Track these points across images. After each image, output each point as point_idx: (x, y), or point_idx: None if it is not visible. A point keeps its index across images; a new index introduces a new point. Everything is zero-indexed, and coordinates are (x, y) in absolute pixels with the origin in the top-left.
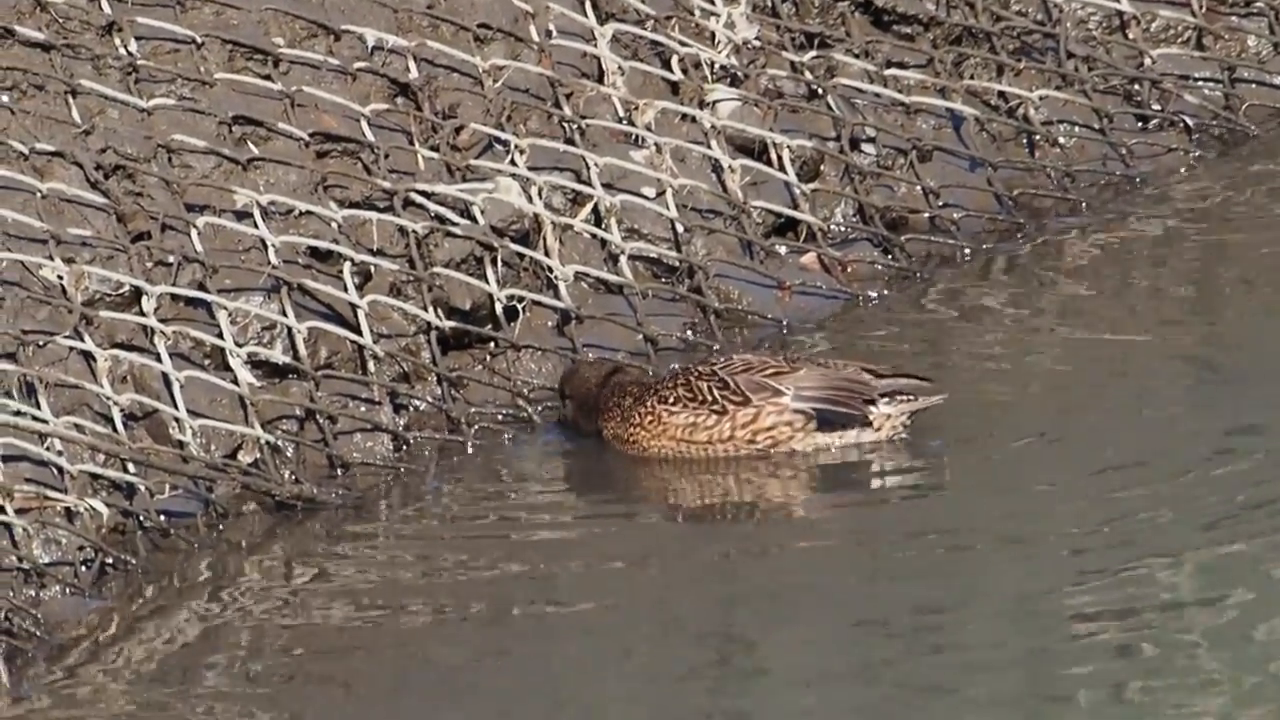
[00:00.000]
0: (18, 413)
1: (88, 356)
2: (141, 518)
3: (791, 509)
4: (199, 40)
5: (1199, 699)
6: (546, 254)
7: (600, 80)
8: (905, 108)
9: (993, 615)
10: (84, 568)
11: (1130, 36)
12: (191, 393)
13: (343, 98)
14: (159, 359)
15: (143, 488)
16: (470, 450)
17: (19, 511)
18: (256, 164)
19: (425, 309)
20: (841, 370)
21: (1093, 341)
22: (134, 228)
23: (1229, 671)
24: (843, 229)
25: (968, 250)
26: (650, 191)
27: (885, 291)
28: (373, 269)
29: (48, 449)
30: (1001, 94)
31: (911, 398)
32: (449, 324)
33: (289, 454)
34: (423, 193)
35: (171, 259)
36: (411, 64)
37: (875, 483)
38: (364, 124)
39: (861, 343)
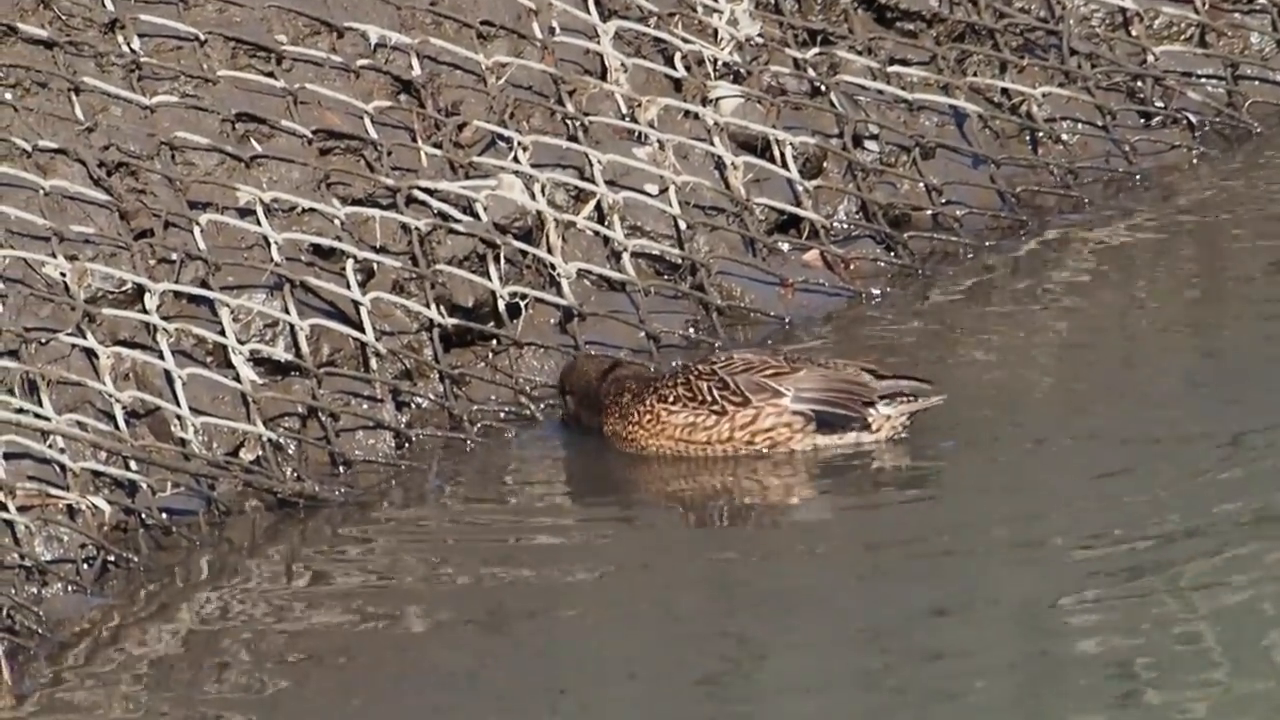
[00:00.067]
0: (20, 410)
1: (90, 354)
2: (143, 515)
3: (794, 509)
4: (202, 37)
5: (1204, 703)
6: (549, 251)
7: (603, 77)
8: (908, 105)
9: (995, 619)
10: (86, 565)
11: (1133, 33)
12: (194, 390)
13: (346, 95)
14: (161, 356)
15: (145, 485)
16: (472, 448)
17: (21, 509)
18: (259, 161)
19: (428, 306)
20: (842, 371)
21: (1095, 339)
22: (137, 225)
23: (1236, 677)
24: (845, 226)
25: (970, 247)
26: (653, 188)
27: (888, 289)
28: (375, 266)
29: (50, 446)
30: (1004, 91)
31: (911, 399)
32: (451, 321)
33: (291, 452)
34: (425, 190)
35: (174, 256)
36: (414, 61)
37: (878, 484)
38: (367, 121)
39: (864, 340)
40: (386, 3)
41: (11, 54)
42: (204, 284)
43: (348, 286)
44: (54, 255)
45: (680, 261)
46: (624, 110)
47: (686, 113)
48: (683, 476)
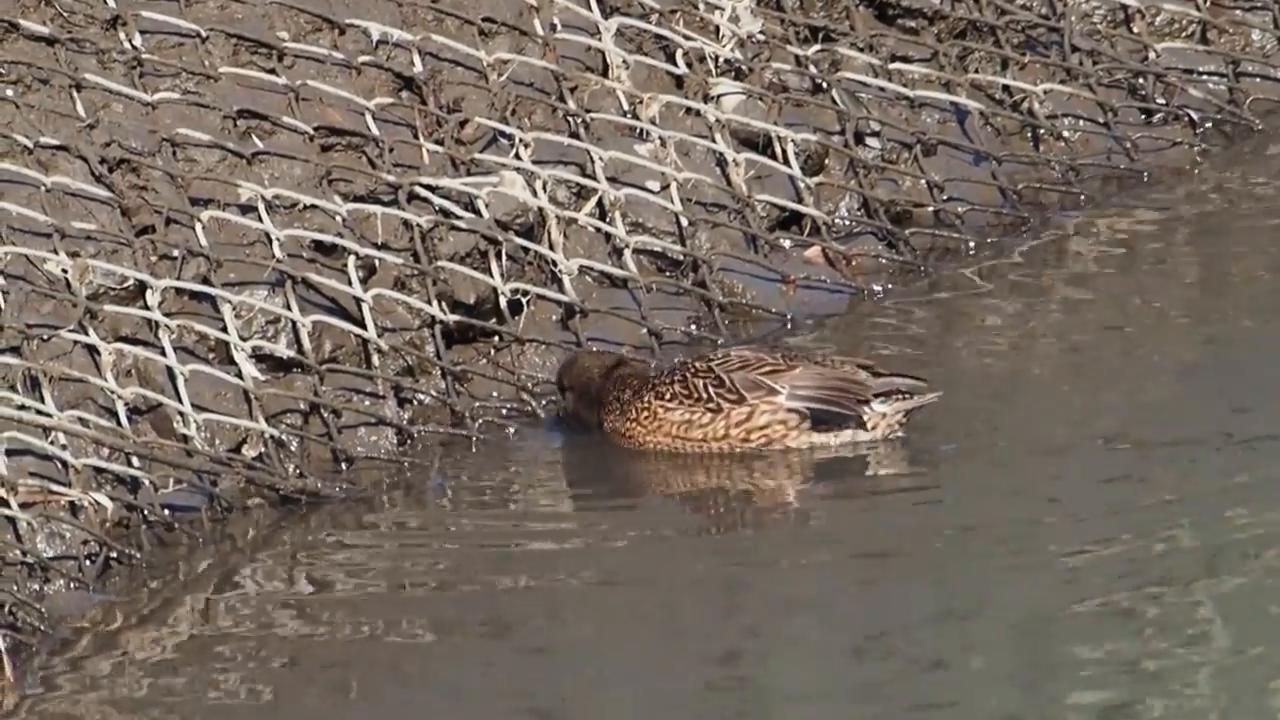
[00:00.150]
0: (22, 407)
1: (92, 350)
2: (145, 512)
3: (795, 511)
4: (203, 34)
5: (1207, 705)
6: (551, 248)
7: (605, 74)
8: (910, 102)
9: (997, 625)
10: (88, 562)
11: (1135, 30)
12: (196, 387)
13: (347, 92)
14: (163, 353)
15: (147, 482)
16: (474, 444)
17: (23, 506)
18: (261, 158)
19: (429, 303)
20: (837, 369)
21: (1097, 336)
22: (138, 221)
23: (1239, 684)
24: (847, 223)
25: (972, 244)
26: (654, 185)
27: (889, 285)
28: (377, 263)
29: (52, 443)
30: (1006, 88)
31: (906, 396)
32: (453, 318)
33: (293, 448)
34: (427, 186)
35: (176, 253)
36: (416, 58)
37: (880, 486)
38: (368, 118)
39: (866, 337)
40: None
41: (13, 50)
42: (206, 280)
43: (349, 283)
44: (56, 252)
45: (682, 258)
46: (626, 107)
47: (688, 109)
48: (684, 473)
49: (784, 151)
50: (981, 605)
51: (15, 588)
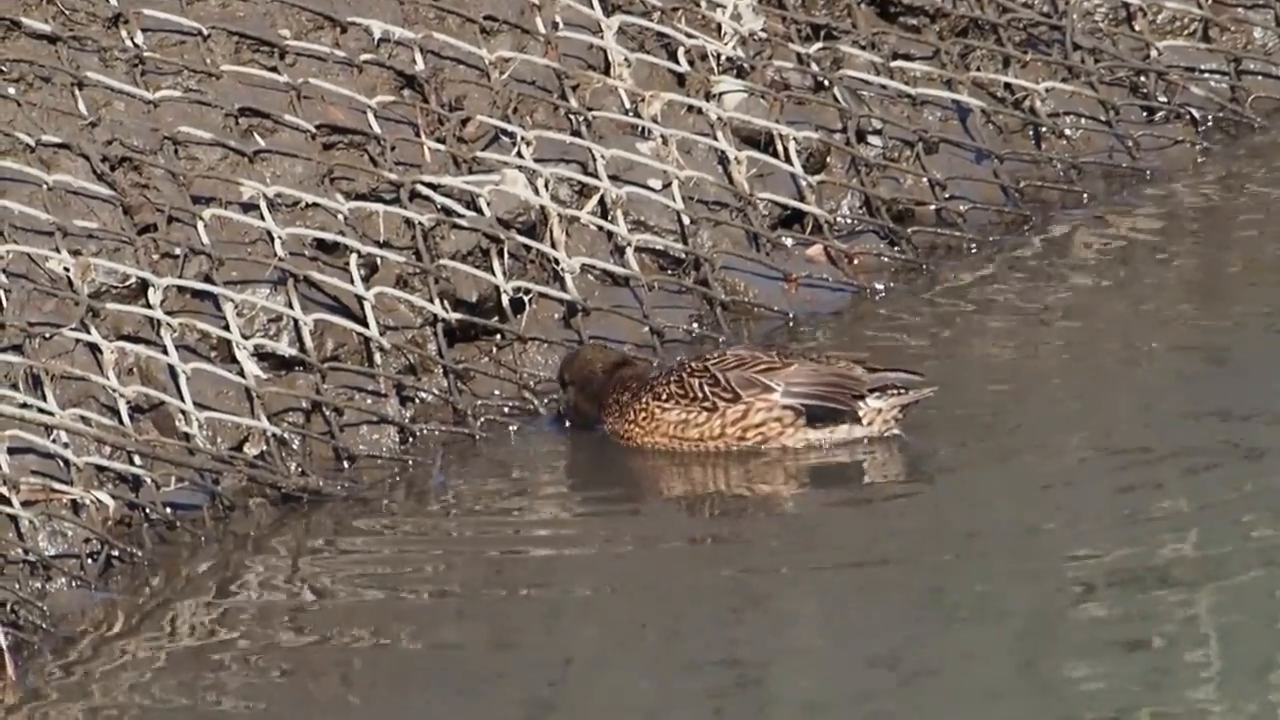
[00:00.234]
0: (24, 405)
1: (94, 348)
2: (147, 510)
3: (798, 512)
4: (205, 32)
5: (1209, 704)
6: (553, 246)
7: (606, 72)
8: (911, 99)
9: (1000, 631)
10: (90, 560)
11: (1136, 28)
12: (198, 385)
13: (349, 90)
14: (165, 351)
15: (149, 480)
16: (476, 443)
17: (25, 504)
18: (263, 156)
19: (431, 301)
20: (833, 365)
21: (1099, 334)
22: (140, 220)
23: (1242, 691)
24: (849, 221)
25: (974, 242)
26: (656, 183)
27: (891, 283)
28: (379, 261)
29: (54, 441)
30: (1008, 86)
31: (902, 392)
32: (455, 316)
33: (295, 446)
34: (429, 185)
35: (178, 251)
36: (418, 56)
37: (880, 488)
38: (370, 116)
39: (867, 335)
40: None
41: (15, 49)
42: (208, 279)
43: (351, 281)
44: (58, 250)
45: (684, 256)
46: (627, 105)
47: (690, 108)
48: (687, 468)
49: (786, 149)
50: (984, 613)
51: (17, 586)
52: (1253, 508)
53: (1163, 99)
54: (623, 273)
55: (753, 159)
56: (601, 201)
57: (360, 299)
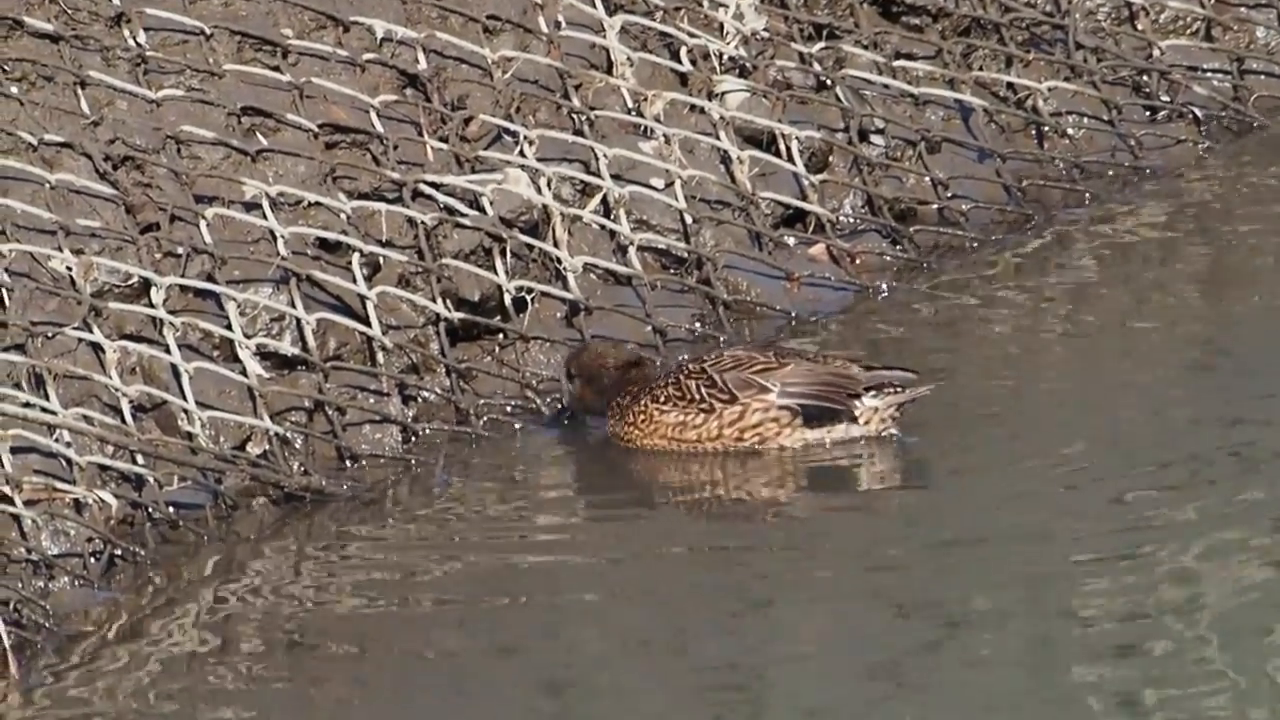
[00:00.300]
0: (27, 404)
1: (96, 348)
2: (150, 509)
3: (800, 516)
4: (208, 31)
5: (1210, 703)
6: (555, 245)
7: (609, 71)
8: (914, 99)
9: (1001, 635)
10: (93, 559)
11: (1139, 27)
12: (200, 384)
13: (351, 89)
14: (168, 350)
15: (151, 479)
16: (479, 442)
17: (28, 503)
18: (265, 155)
19: (434, 300)
20: (829, 365)
21: (1101, 333)
22: (143, 219)
23: (1244, 698)
24: (851, 220)
25: (976, 241)
26: (659, 183)
27: (894, 283)
28: (381, 260)
29: (57, 441)
30: (1010, 85)
31: (898, 390)
32: (458, 315)
33: (298, 445)
34: (431, 184)
35: (180, 250)
36: (420, 55)
37: (881, 491)
38: (373, 115)
39: (869, 334)
40: None
41: (18, 48)
42: (210, 278)
43: (354, 281)
44: (60, 249)
45: (686, 256)
46: (630, 104)
47: (692, 107)
48: (689, 468)
49: (788, 149)
50: (985, 620)
51: (20, 585)
52: (1257, 510)
53: (1165, 98)
54: (625, 272)
55: (755, 158)
56: (604, 201)
57: (363, 298)
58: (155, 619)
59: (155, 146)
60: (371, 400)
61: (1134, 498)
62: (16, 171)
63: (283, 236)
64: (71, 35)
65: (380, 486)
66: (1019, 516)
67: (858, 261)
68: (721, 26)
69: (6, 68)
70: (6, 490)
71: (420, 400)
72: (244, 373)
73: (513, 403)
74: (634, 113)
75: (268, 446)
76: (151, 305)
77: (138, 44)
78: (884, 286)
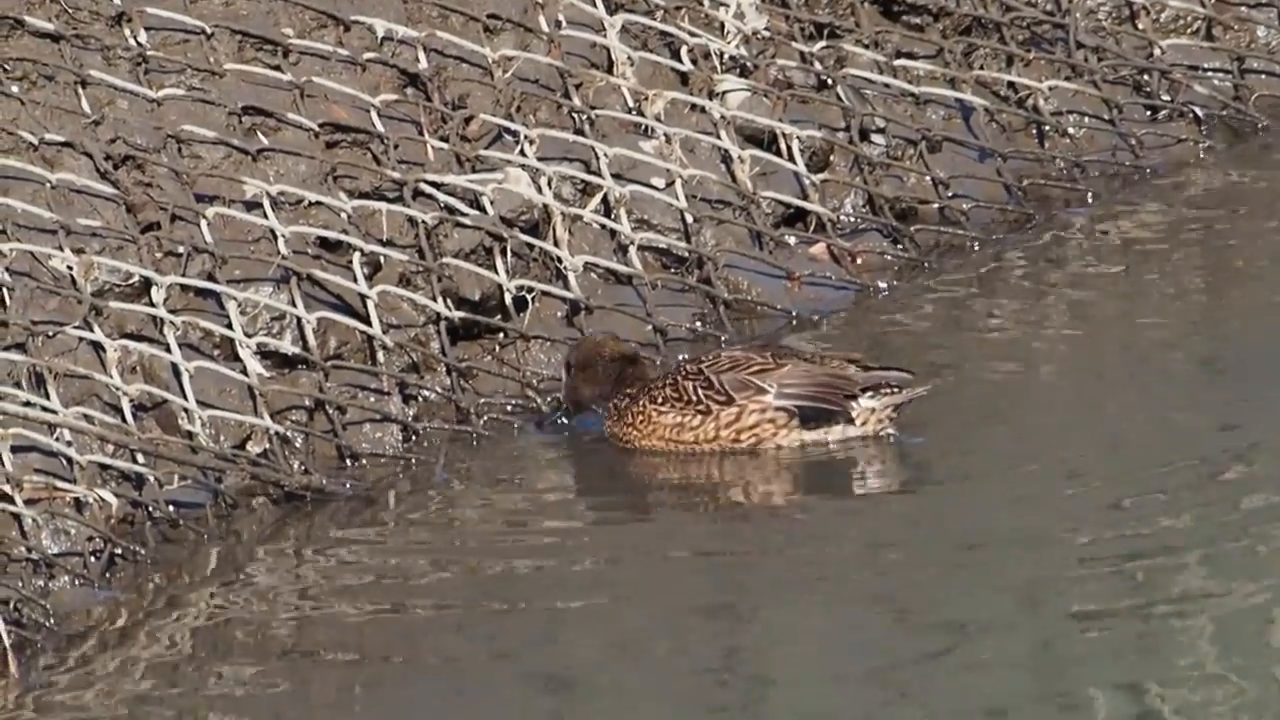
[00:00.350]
0: (27, 403)
1: (97, 347)
2: (150, 508)
3: (801, 519)
4: (208, 31)
5: (1213, 707)
6: (556, 244)
7: (610, 71)
8: (915, 98)
9: (1003, 638)
10: (93, 558)
11: (1140, 27)
12: (200, 383)
13: (352, 88)
14: (168, 349)
15: (152, 478)
16: (479, 441)
17: (28, 502)
18: (266, 154)
19: (434, 299)
20: (826, 365)
21: (1101, 332)
22: (143, 218)
23: (1245, 700)
24: (852, 219)
25: (977, 240)
26: (659, 182)
27: (894, 282)
28: (382, 259)
29: (57, 439)
30: (1011, 84)
31: (895, 390)
32: (458, 314)
33: (298, 444)
34: (432, 183)
35: (181, 249)
36: (421, 54)
37: (882, 494)
38: (373, 114)
39: (870, 334)
40: None
41: (18, 47)
42: (211, 277)
43: (354, 280)
44: (61, 248)
45: (687, 255)
46: (630, 104)
47: (693, 106)
48: (689, 468)
49: (789, 148)
50: (985, 625)
51: (20, 584)
52: (1259, 512)
53: (1166, 97)
54: (626, 271)
55: (756, 157)
56: (605, 200)
57: (363, 297)
58: (155, 618)
59: (156, 146)
60: (372, 399)
61: (1135, 500)
62: (17, 171)
63: (283, 236)
64: (72, 34)
65: (380, 485)
66: (1020, 519)
67: (859, 261)
68: (722, 26)
69: (7, 67)
70: (7, 489)
71: (421, 399)
72: (244, 372)
73: (513, 401)
74: (634, 112)
75: (268, 445)
76: (152, 304)
77: (138, 43)
78: (885, 286)
